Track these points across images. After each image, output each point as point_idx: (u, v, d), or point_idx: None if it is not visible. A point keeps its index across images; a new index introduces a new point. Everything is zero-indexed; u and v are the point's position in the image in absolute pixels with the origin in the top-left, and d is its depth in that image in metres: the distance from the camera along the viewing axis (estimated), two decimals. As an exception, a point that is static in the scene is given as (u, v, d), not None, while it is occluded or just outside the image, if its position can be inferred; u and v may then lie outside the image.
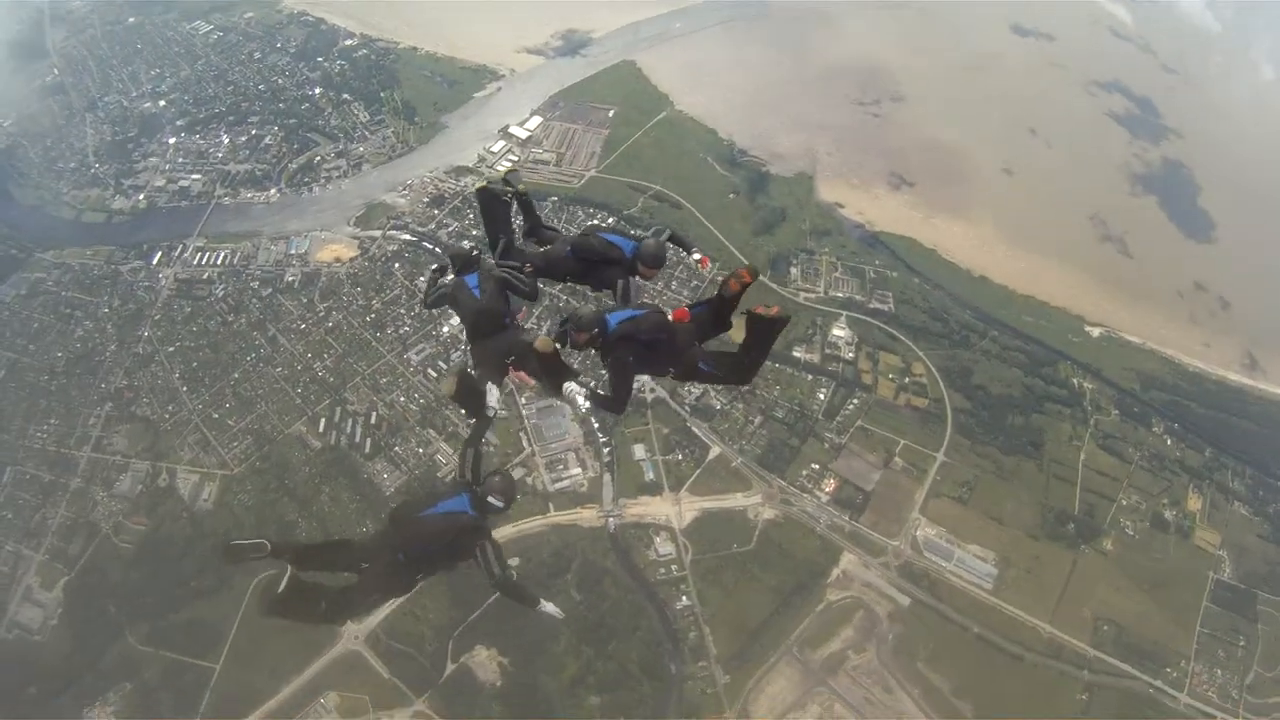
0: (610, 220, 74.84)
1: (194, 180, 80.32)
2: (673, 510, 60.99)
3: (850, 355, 69.14)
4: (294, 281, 71.57)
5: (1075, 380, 70.40)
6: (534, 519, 59.81)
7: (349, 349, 67.53)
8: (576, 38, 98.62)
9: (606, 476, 61.65)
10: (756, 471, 63.11)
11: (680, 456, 63.24)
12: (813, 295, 73.03)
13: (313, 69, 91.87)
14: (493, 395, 13.14)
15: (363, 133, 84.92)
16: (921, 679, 56.04)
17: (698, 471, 62.81)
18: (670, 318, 13.06)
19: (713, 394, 65.51)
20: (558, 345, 13.08)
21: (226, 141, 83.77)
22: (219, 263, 73.28)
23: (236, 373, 66.49)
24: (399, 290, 70.83)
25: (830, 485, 62.78)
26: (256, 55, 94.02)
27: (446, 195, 78.36)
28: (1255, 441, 69.31)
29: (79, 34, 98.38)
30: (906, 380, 68.27)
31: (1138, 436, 67.70)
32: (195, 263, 73.44)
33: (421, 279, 70.49)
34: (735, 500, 61.82)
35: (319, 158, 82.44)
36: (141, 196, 79.47)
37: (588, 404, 13.27)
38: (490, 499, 12.77)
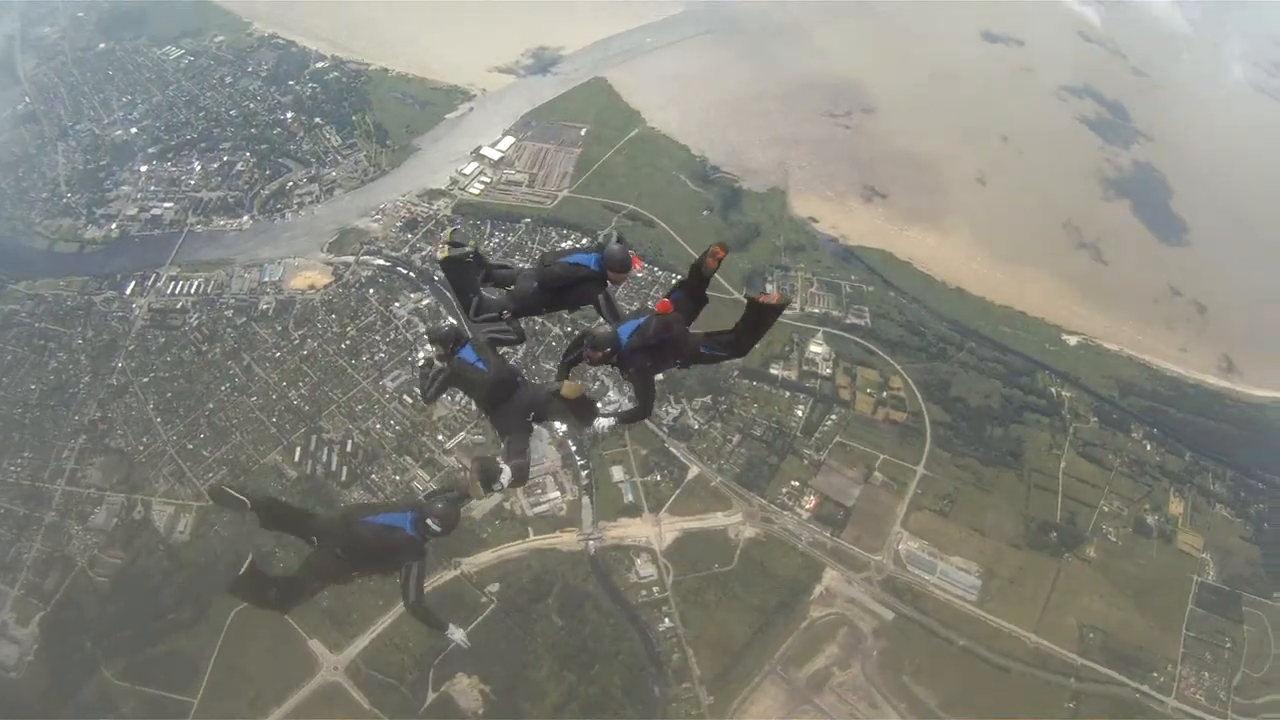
0: (584, 241, 74.29)
1: (166, 208, 79.74)
2: (653, 531, 60.67)
3: (828, 371, 69.11)
4: (268, 309, 71.05)
5: (1054, 389, 70.53)
6: (513, 544, 59.34)
7: (324, 376, 67.04)
8: (547, 55, 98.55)
9: (585, 499, 61.32)
10: (736, 490, 62.89)
11: (659, 477, 62.98)
12: (789, 312, 71.97)
13: (284, 93, 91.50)
14: (505, 476, 13.18)
15: (335, 157, 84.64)
16: (908, 694, 55.78)
17: (677, 492, 62.56)
18: (657, 311, 13.36)
19: (690, 414, 65.38)
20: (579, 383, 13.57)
21: (199, 168, 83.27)
22: (193, 291, 72.71)
23: (211, 403, 65.83)
24: (374, 316, 70.47)
25: (810, 502, 62.61)
26: (228, 80, 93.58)
27: (419, 219, 78.12)
28: (1235, 444, 69.59)
29: (49, 60, 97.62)
30: (884, 395, 68.25)
31: (1117, 443, 67.83)
32: (169, 292, 72.85)
33: (397, 304, 70.95)
34: (715, 520, 61.56)
35: (291, 183, 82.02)
36: (114, 225, 78.78)
37: (616, 425, 14.21)
38: (429, 522, 12.74)
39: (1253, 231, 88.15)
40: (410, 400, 64.90)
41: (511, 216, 78.47)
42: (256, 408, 65.60)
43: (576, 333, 14.36)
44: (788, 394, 67.90)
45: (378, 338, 69.20)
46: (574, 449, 63.35)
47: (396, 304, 71.08)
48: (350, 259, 74.68)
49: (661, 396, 61.54)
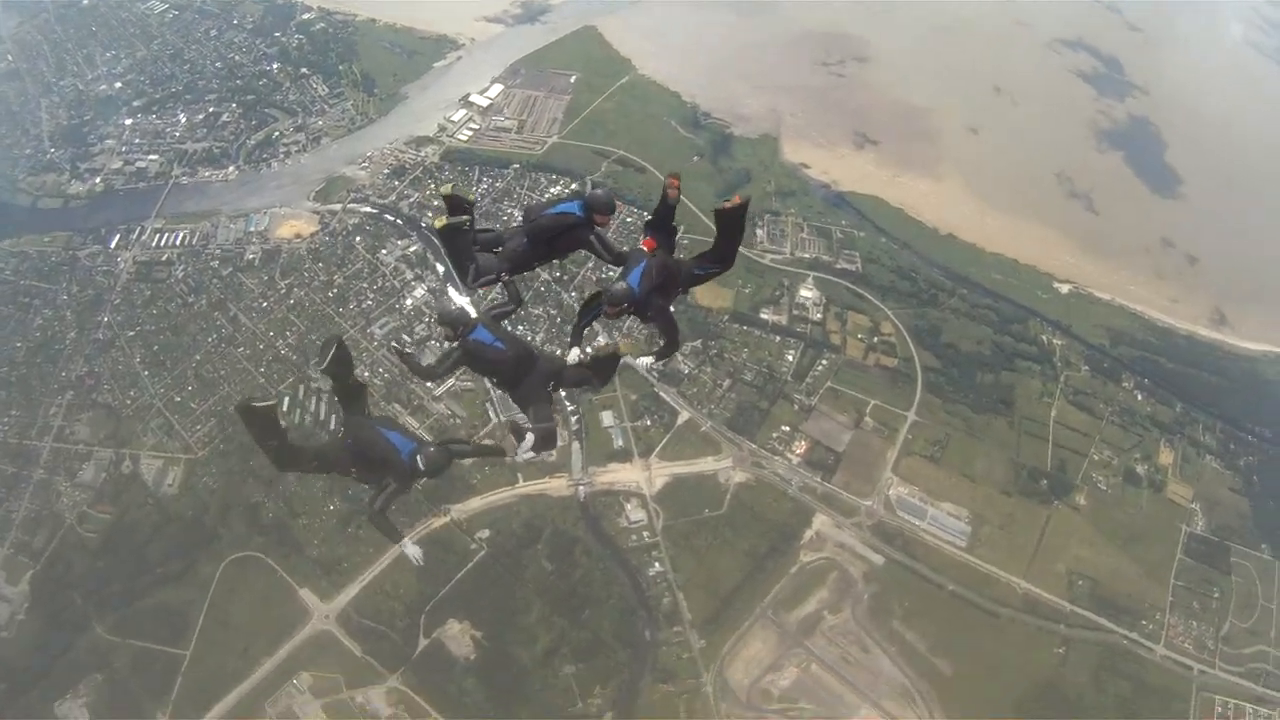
0: (574, 186, 74.15)
1: (151, 161, 78.78)
2: (643, 476, 60.59)
3: (818, 316, 68.74)
4: (254, 259, 70.36)
5: (1045, 337, 70.22)
6: (502, 490, 59.30)
7: (312, 326, 66.46)
8: (536, 4, 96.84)
9: (575, 445, 61.12)
10: (726, 435, 62.70)
11: (649, 422, 62.80)
12: (779, 256, 72.47)
13: (270, 44, 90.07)
14: (527, 442, 13.82)
15: (321, 106, 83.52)
16: (898, 637, 56.06)
17: (667, 437, 62.40)
18: (645, 248, 14.32)
19: (680, 358, 64.89)
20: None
21: (183, 120, 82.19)
22: (178, 243, 71.99)
23: (198, 355, 65.48)
24: (361, 264, 69.78)
25: (801, 447, 62.48)
26: (213, 33, 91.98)
27: (407, 166, 77.28)
28: (1225, 396, 69.54)
29: (32, 18, 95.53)
30: (875, 340, 67.91)
31: (1108, 392, 67.72)
32: (154, 244, 72.13)
33: (384, 251, 70.31)
34: (706, 465, 61.50)
35: (277, 133, 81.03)
36: (98, 180, 77.81)
37: (655, 362, 15.21)
38: (418, 459, 13.04)
39: (1246, 187, 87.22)
40: (398, 346, 64.15)
41: (500, 162, 77.53)
42: (244, 358, 65.21)
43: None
44: (778, 339, 67.50)
45: (365, 285, 68.57)
46: (563, 395, 62.54)
47: (384, 251, 70.38)
48: (337, 207, 73.92)
49: (652, 341, 60.97)
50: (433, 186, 74.50)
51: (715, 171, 79.04)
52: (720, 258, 14.79)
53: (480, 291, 15.33)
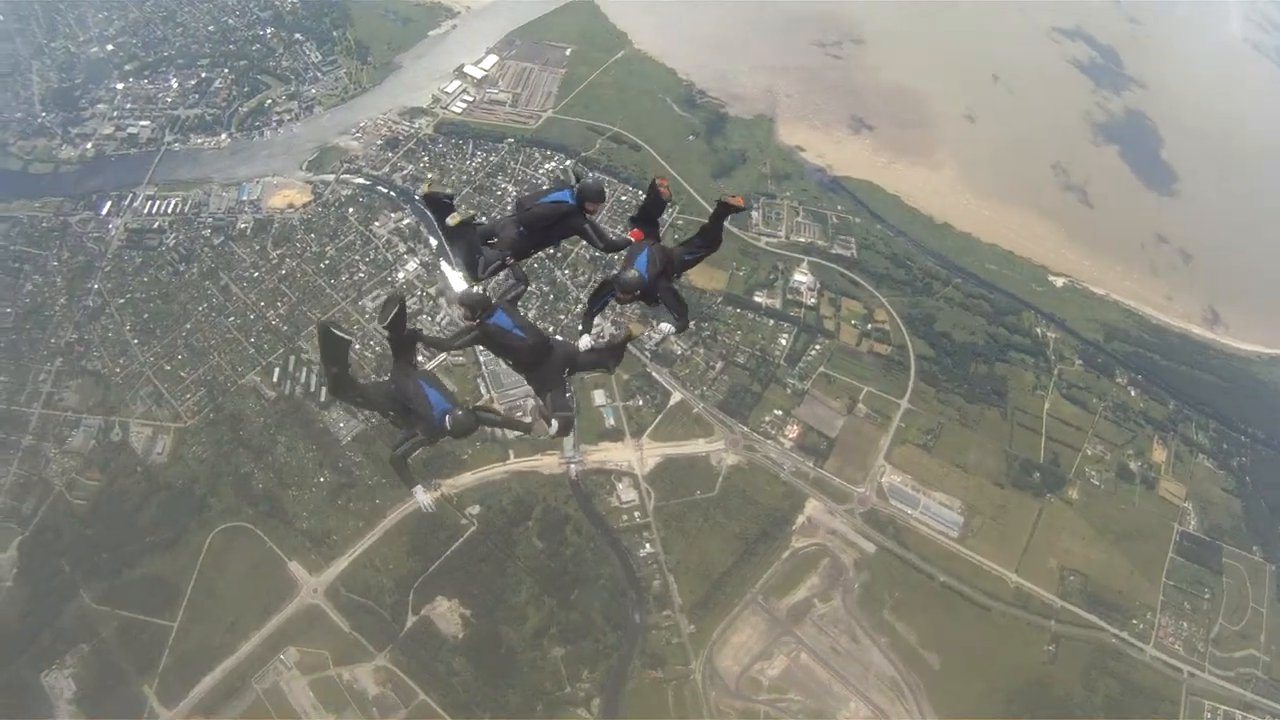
0: (569, 163, 73.55)
1: (143, 126, 77.51)
2: (634, 456, 60.31)
3: (812, 301, 68.30)
4: (246, 229, 69.56)
5: (1039, 329, 69.95)
6: (494, 466, 58.96)
7: (303, 296, 65.91)
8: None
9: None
10: (719, 417, 62.39)
11: (641, 402, 62.45)
12: (774, 240, 71.99)
13: (264, 8, 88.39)
14: (553, 428, 14.52)
15: (315, 74, 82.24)
16: (888, 628, 56.10)
17: (659, 417, 62.10)
18: (634, 239, 15.28)
19: (674, 340, 64.31)
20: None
21: (175, 85, 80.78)
22: (170, 211, 71.09)
23: (189, 323, 64.83)
24: (353, 235, 69.01)
25: (794, 431, 62.22)
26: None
27: (401, 137, 76.32)
28: (1219, 395, 69.38)
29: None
30: (869, 327, 67.57)
31: (1101, 387, 67.52)
32: (145, 212, 71.21)
33: (377, 224, 69.57)
34: (698, 446, 61.22)
35: (270, 100, 79.83)
36: (89, 145, 76.68)
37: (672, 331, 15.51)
38: (446, 419, 13.66)
39: (1242, 186, 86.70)
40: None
41: (494, 136, 76.65)
42: (234, 328, 64.58)
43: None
44: (772, 322, 67.10)
45: (357, 257, 67.89)
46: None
47: (376, 223, 69.60)
48: (330, 177, 73.02)
49: (644, 321, 60.81)
50: (426, 159, 74.06)
51: (710, 151, 78.23)
52: (708, 241, 15.63)
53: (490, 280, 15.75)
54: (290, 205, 71.12)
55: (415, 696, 52.69)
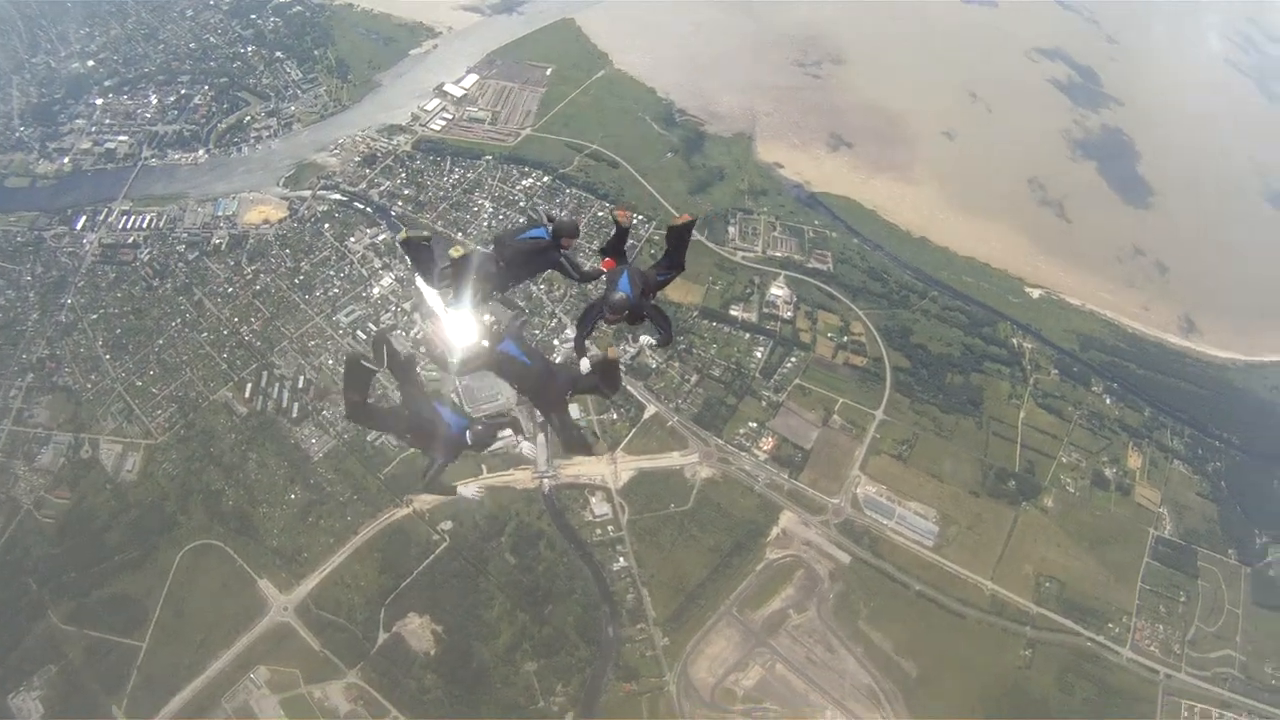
0: (546, 179, 74.31)
1: (120, 142, 77.78)
2: (608, 470, 60.00)
3: (789, 314, 68.51)
4: (221, 244, 69.46)
5: (1015, 340, 70.39)
6: (467, 480, 58.33)
7: (277, 312, 65.72)
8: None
9: (540, 437, 60.25)
10: (693, 430, 62.27)
11: (615, 416, 62.22)
12: (751, 254, 72.30)
13: (245, 26, 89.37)
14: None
15: (294, 91, 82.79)
16: (863, 637, 55.84)
17: (633, 431, 61.89)
18: (607, 268, 15.66)
19: (650, 353, 64.43)
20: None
21: (155, 101, 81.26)
22: (145, 226, 71.04)
23: (161, 339, 64.50)
24: (328, 251, 68.99)
25: (768, 444, 62.18)
26: (189, 13, 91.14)
27: (379, 154, 76.58)
28: (1194, 402, 69.99)
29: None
30: (845, 339, 67.79)
31: (1077, 396, 67.91)
32: (120, 227, 71.19)
33: (353, 239, 69.65)
34: (672, 459, 61.04)
35: (249, 117, 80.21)
36: (66, 160, 76.80)
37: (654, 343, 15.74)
38: (467, 432, 14.76)
39: (1218, 200, 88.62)
40: (365, 336, 63.50)
41: (472, 153, 77.11)
42: (207, 344, 64.27)
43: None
44: (747, 335, 67.23)
45: (332, 273, 67.81)
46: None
47: (352, 239, 69.67)
48: (306, 193, 73.08)
49: (621, 335, 60.71)
50: (403, 175, 74.40)
51: (688, 168, 78.89)
52: (674, 264, 15.96)
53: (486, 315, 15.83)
54: (266, 221, 71.10)
55: (387, 713, 51.94)
